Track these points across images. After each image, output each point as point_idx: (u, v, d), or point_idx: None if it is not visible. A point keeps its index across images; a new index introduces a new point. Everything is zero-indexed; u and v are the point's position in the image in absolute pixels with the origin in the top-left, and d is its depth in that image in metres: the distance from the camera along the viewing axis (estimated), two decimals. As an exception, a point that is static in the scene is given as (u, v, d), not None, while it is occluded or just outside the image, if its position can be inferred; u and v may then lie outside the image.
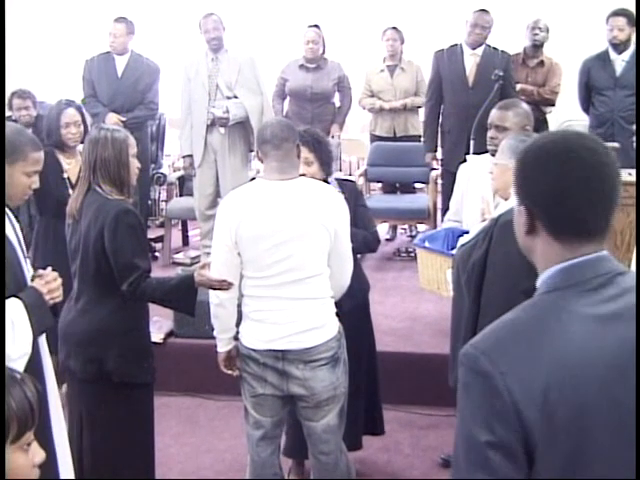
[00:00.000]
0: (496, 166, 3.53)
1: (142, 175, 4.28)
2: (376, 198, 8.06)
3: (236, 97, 6.60)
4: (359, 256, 4.62)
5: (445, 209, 5.88)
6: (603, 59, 6.84)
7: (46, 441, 2.78)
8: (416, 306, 6.24)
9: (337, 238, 3.48)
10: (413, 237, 7.70)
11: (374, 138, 8.05)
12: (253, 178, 4.98)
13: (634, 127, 6.37)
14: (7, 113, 6.73)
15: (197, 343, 5.36)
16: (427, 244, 4.43)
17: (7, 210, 3.13)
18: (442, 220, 5.50)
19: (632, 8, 6.75)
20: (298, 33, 7.73)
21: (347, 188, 4.19)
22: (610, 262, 1.68)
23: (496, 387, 1.54)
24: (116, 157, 3.58)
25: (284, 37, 9.29)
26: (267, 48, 9.14)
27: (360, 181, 7.89)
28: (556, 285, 1.66)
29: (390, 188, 8.37)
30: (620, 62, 6.77)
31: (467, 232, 3.96)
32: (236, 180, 6.26)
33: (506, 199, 3.48)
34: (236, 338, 3.61)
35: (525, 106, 4.27)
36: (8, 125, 3.19)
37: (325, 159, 4.01)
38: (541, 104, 7.17)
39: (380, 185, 8.63)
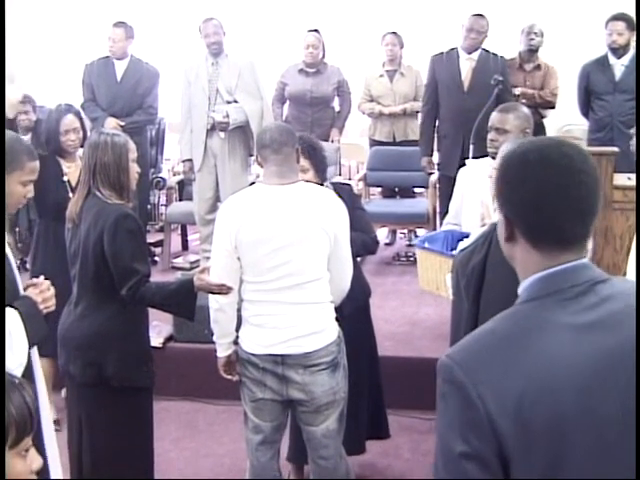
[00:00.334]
0: (496, 171, 3.53)
1: (141, 179, 4.28)
2: (375, 202, 8.05)
3: (236, 101, 6.60)
4: (359, 259, 4.63)
5: (443, 213, 5.88)
6: (602, 63, 6.85)
7: (38, 445, 2.77)
8: (416, 310, 6.24)
9: (337, 242, 3.49)
10: (411, 246, 7.70)
11: (373, 143, 8.05)
12: (253, 183, 4.99)
13: (633, 131, 6.38)
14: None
15: (196, 347, 5.36)
16: (427, 245, 4.43)
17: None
18: (441, 224, 5.50)
19: (630, 12, 6.76)
20: (298, 38, 7.74)
21: (343, 192, 4.18)
22: (590, 270, 1.66)
23: (470, 397, 1.53)
24: (116, 161, 3.58)
25: (284, 41, 9.29)
26: (267, 52, 9.14)
27: (359, 185, 7.90)
28: (534, 294, 1.66)
29: (389, 192, 8.37)
30: (619, 66, 6.78)
31: (466, 235, 3.96)
32: (236, 185, 6.25)
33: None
34: (236, 343, 3.61)
35: (525, 109, 4.28)
36: (5, 133, 3.19)
37: (320, 165, 4.02)
38: (542, 107, 7.18)
39: (379, 189, 8.62)
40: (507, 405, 1.52)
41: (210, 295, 3.54)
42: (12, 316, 2.87)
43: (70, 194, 4.57)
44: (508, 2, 8.87)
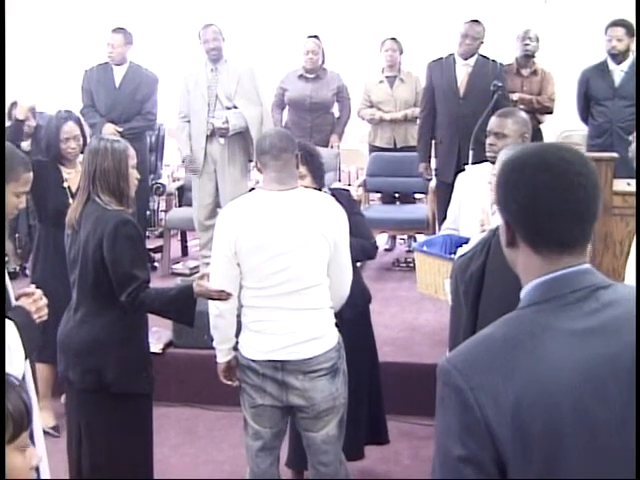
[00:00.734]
0: (495, 177, 3.53)
1: (141, 185, 4.27)
2: (375, 208, 8.06)
3: (236, 107, 6.60)
4: (359, 265, 4.63)
5: (441, 219, 5.89)
6: (602, 69, 6.86)
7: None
8: (415, 316, 6.24)
9: (336, 248, 3.49)
10: (411, 251, 7.70)
11: (373, 149, 8.05)
12: (252, 188, 4.99)
13: (632, 137, 6.38)
14: (7, 123, 6.73)
15: (196, 353, 5.35)
16: (425, 249, 4.43)
17: None
18: (440, 230, 5.50)
19: (630, 18, 6.77)
20: (297, 43, 7.75)
21: (342, 197, 4.18)
22: (592, 275, 1.66)
23: (467, 402, 1.54)
24: (115, 168, 3.59)
25: (283, 47, 9.31)
26: (267, 58, 9.16)
27: (359, 191, 7.90)
28: (535, 299, 1.66)
29: (389, 198, 8.37)
30: (619, 72, 6.78)
31: (465, 239, 3.96)
32: (235, 191, 6.25)
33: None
34: (235, 348, 3.60)
35: (523, 114, 4.29)
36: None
37: (317, 172, 4.02)
38: (540, 112, 7.19)
39: (379, 195, 8.62)
40: (504, 410, 1.52)
41: (210, 301, 3.53)
42: (9, 328, 2.87)
43: (70, 200, 4.57)
44: (508, 8, 8.89)
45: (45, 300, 3.04)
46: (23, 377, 2.98)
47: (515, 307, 1.73)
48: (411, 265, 7.24)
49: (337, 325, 3.59)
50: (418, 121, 7.17)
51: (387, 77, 7.90)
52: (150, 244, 7.36)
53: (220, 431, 5.13)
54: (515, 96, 6.92)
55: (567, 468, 1.54)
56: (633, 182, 4.65)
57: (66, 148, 4.88)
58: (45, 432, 3.91)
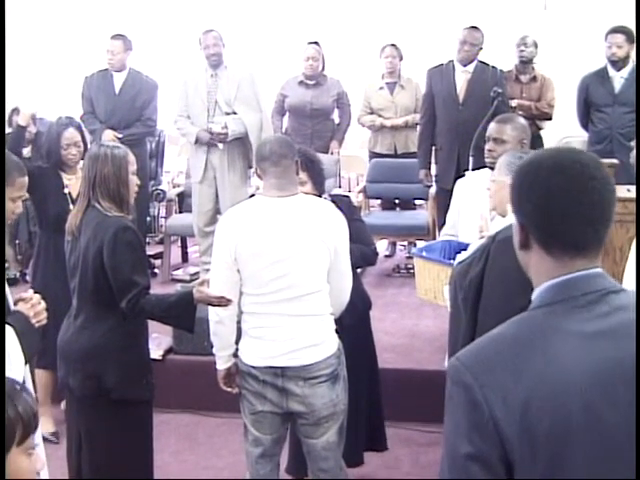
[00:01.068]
0: (493, 183, 3.53)
1: (141, 191, 4.27)
2: (375, 215, 8.05)
3: (235, 113, 6.60)
4: (359, 271, 4.62)
5: (441, 225, 5.89)
6: (602, 76, 6.86)
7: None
8: (415, 322, 6.24)
9: (337, 255, 3.48)
10: (411, 258, 7.69)
11: (373, 155, 8.05)
12: (252, 195, 4.99)
13: (632, 143, 6.38)
14: (7, 130, 6.74)
15: (196, 360, 5.34)
16: (424, 254, 4.43)
17: None
18: (439, 236, 5.50)
19: (629, 24, 6.78)
20: (298, 50, 7.75)
21: (342, 203, 4.18)
22: (604, 279, 1.67)
23: (476, 400, 1.55)
24: (115, 174, 3.59)
25: (284, 54, 9.32)
26: (267, 64, 9.17)
27: (359, 197, 7.90)
28: (546, 301, 1.66)
29: (389, 205, 8.37)
30: (619, 79, 6.79)
31: (465, 245, 3.96)
32: (235, 197, 6.26)
33: (504, 216, 3.48)
34: (235, 355, 3.60)
35: (522, 120, 4.31)
36: None
37: (318, 178, 4.02)
38: (539, 118, 7.20)
39: (379, 202, 8.62)
40: (513, 409, 1.53)
41: (210, 307, 3.53)
42: (7, 333, 2.86)
43: (71, 206, 4.57)
44: (508, 14, 8.90)
45: (43, 304, 3.04)
46: (23, 382, 2.98)
47: (514, 313, 1.74)
48: (411, 271, 7.22)
49: (337, 331, 3.59)
50: (418, 127, 7.18)
51: (387, 83, 7.90)
52: (150, 250, 7.36)
53: (220, 437, 5.12)
54: (514, 102, 6.92)
55: (573, 470, 1.55)
56: (633, 188, 4.65)
57: (67, 154, 4.88)
58: (44, 438, 3.92)
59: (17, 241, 7.16)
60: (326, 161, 4.93)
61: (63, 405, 3.99)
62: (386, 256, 8.12)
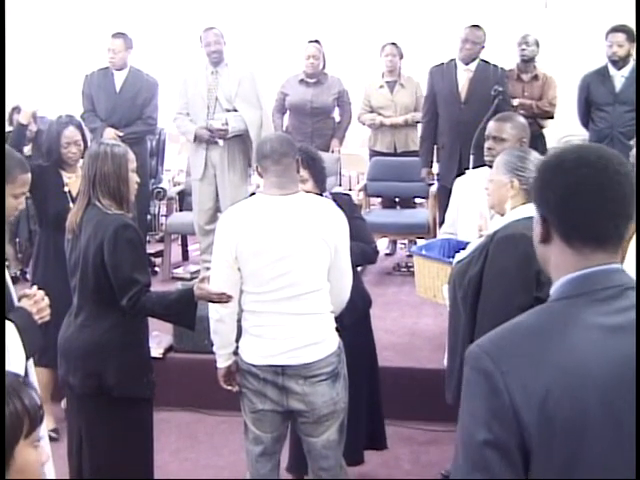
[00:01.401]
0: (492, 182, 3.53)
1: (141, 190, 4.27)
2: (376, 213, 8.06)
3: (235, 110, 6.60)
4: (359, 269, 4.62)
5: (442, 224, 5.89)
6: (602, 75, 6.86)
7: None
8: (416, 321, 6.24)
9: (337, 253, 3.48)
10: (412, 256, 7.69)
11: (374, 154, 8.06)
12: (253, 193, 4.98)
13: (632, 142, 6.38)
14: (8, 128, 6.74)
15: (197, 358, 5.35)
16: (424, 252, 4.43)
17: None
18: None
19: (630, 23, 6.77)
20: (298, 48, 7.75)
21: (343, 202, 4.18)
22: (623, 275, 1.69)
23: (496, 386, 1.56)
24: (115, 172, 3.59)
25: (284, 52, 9.32)
26: (268, 63, 9.16)
27: (360, 196, 7.90)
28: (566, 293, 1.68)
29: (390, 203, 8.38)
30: (619, 78, 6.79)
31: (464, 243, 3.97)
32: (236, 195, 6.26)
33: (502, 215, 3.48)
34: (236, 353, 3.60)
35: (522, 119, 4.31)
36: None
37: (319, 176, 4.02)
38: (540, 117, 7.20)
39: (380, 200, 8.63)
40: (533, 397, 1.54)
41: (210, 306, 3.53)
42: (8, 328, 2.87)
43: (71, 204, 4.57)
44: (508, 13, 8.90)
45: (47, 301, 3.06)
46: (25, 377, 2.99)
47: (513, 311, 1.75)
48: (412, 270, 7.21)
49: (337, 330, 3.59)
50: (420, 126, 7.17)
51: (387, 82, 7.90)
52: (151, 248, 7.37)
53: (220, 436, 5.12)
54: (515, 101, 6.93)
55: (588, 461, 1.56)
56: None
57: (67, 153, 4.88)
58: (45, 436, 3.92)
59: (17, 239, 7.17)
60: (327, 159, 4.93)
61: (64, 403, 4.00)
62: (386, 254, 8.13)
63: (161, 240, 8.05)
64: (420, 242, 7.67)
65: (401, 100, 7.84)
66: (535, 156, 3.47)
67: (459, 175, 4.95)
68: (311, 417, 3.52)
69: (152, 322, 3.82)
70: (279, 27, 9.78)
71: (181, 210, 8.14)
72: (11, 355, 2.85)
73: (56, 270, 4.53)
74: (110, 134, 6.69)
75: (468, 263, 3.48)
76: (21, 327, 2.91)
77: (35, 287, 3.11)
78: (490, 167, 3.90)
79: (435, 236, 7.00)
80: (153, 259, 7.72)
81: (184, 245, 8.24)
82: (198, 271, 7.04)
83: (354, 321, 3.93)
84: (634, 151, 4.75)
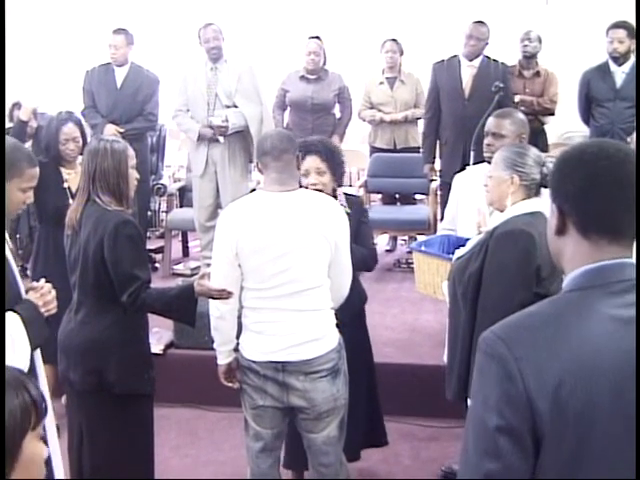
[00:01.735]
0: (491, 178, 3.53)
1: (142, 186, 4.27)
2: (376, 209, 8.05)
3: (235, 106, 6.60)
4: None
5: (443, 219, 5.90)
6: (603, 71, 6.85)
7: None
8: (416, 317, 6.24)
9: (337, 249, 3.49)
10: (412, 252, 7.69)
11: (374, 150, 8.06)
12: (253, 189, 4.99)
13: (629, 139, 6.38)
14: (8, 124, 6.73)
15: (197, 354, 5.35)
16: (424, 249, 4.43)
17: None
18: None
19: (630, 19, 6.77)
20: (299, 44, 7.74)
21: (353, 203, 4.20)
22: (635, 270, 1.70)
23: (510, 372, 1.57)
24: (115, 168, 3.58)
25: (285, 48, 9.31)
26: (268, 59, 9.16)
27: (360, 192, 7.90)
28: (580, 285, 1.69)
29: (390, 199, 8.38)
30: (620, 74, 6.78)
31: (463, 239, 3.97)
32: (236, 191, 6.26)
33: (501, 211, 3.48)
34: (236, 350, 3.60)
35: (521, 115, 4.31)
36: (5, 140, 3.21)
37: (337, 169, 4.02)
38: (541, 114, 7.20)
39: (380, 196, 8.63)
40: (546, 385, 1.56)
41: (211, 302, 3.53)
42: (13, 320, 2.90)
43: (70, 201, 4.57)
44: (509, 9, 8.89)
45: (53, 294, 3.09)
46: (31, 370, 3.00)
47: (512, 307, 1.75)
48: (412, 266, 7.17)
49: (337, 326, 3.59)
50: (423, 122, 7.17)
51: (387, 78, 7.90)
52: (151, 245, 7.37)
53: (221, 432, 5.13)
54: (516, 98, 6.93)
55: (597, 450, 1.57)
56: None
57: (65, 149, 4.89)
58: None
59: (18, 235, 7.17)
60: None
61: (64, 399, 3.99)
62: (387, 251, 8.13)
63: (161, 236, 8.05)
64: (420, 238, 7.67)
65: (401, 96, 7.84)
66: (534, 152, 3.47)
67: (461, 171, 4.94)
68: (311, 413, 3.52)
69: (152, 318, 3.82)
70: (280, 23, 9.76)
71: (181, 206, 8.15)
72: (16, 346, 2.87)
73: (56, 266, 4.53)
74: (111, 130, 6.69)
75: (468, 259, 3.48)
76: (26, 319, 2.93)
77: (43, 280, 3.13)
78: (489, 163, 3.90)
79: (435, 232, 7.01)
80: (153, 255, 7.72)
81: (184, 241, 8.24)
82: (198, 267, 7.05)
83: (350, 318, 3.91)
84: (633, 145, 4.75)
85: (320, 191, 3.77)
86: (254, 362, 3.49)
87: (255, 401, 3.53)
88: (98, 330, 3.58)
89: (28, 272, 6.04)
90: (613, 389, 1.57)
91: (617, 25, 6.73)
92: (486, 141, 4.18)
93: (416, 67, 7.98)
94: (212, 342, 3.64)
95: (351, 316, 3.96)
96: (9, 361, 2.79)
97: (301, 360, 3.44)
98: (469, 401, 1.74)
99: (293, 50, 8.35)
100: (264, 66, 7.85)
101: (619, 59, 6.76)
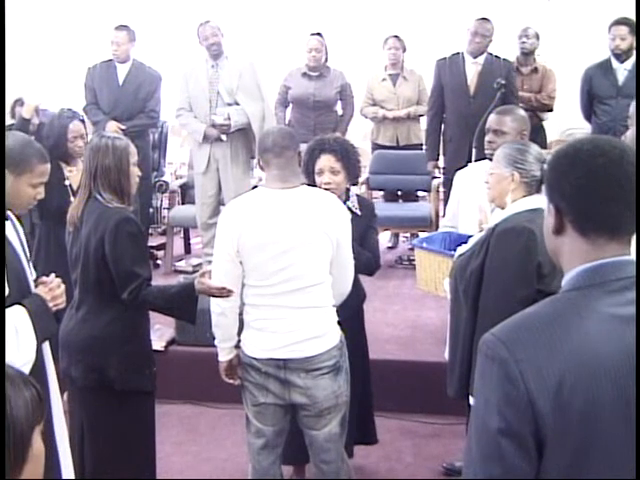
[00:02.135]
0: (492, 175, 3.53)
1: (144, 183, 4.27)
2: (378, 206, 7.92)
3: (237, 103, 6.60)
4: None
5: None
6: (605, 68, 6.83)
7: (49, 446, 2.80)
8: (418, 314, 6.24)
9: (339, 247, 3.49)
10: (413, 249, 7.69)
11: (376, 147, 8.06)
12: (255, 186, 4.98)
13: (623, 137, 6.36)
14: (10, 121, 6.73)
15: (198, 351, 5.35)
16: (425, 245, 4.43)
17: (11, 215, 3.17)
18: (441, 227, 5.50)
19: (632, 16, 6.75)
20: (301, 41, 7.74)
21: (365, 206, 4.20)
22: (634, 267, 1.69)
23: (511, 374, 1.57)
24: (116, 165, 3.58)
25: (287, 45, 9.31)
26: (270, 56, 9.15)
27: (362, 189, 7.89)
28: (580, 284, 1.68)
29: (392, 196, 8.37)
30: (622, 71, 6.76)
31: (465, 236, 3.96)
32: (238, 188, 6.26)
33: (502, 208, 3.48)
34: (237, 347, 3.60)
35: (523, 112, 4.31)
36: (16, 135, 3.23)
37: (352, 169, 4.02)
38: (539, 110, 7.19)
39: (382, 193, 8.62)
40: (548, 385, 1.55)
41: (212, 299, 3.53)
42: (20, 313, 2.92)
43: (72, 198, 4.58)
44: (510, 6, 8.89)
45: (62, 289, 3.12)
46: (38, 365, 3.02)
47: (513, 304, 1.75)
48: (414, 263, 7.19)
49: (339, 323, 3.59)
50: (426, 118, 7.15)
51: (390, 75, 7.90)
52: (153, 242, 7.38)
53: (222, 429, 5.13)
54: (514, 94, 6.92)
55: (603, 447, 1.57)
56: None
57: (73, 147, 4.89)
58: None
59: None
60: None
61: (65, 396, 4.00)
62: (389, 248, 8.13)
63: (163, 233, 8.06)
64: (422, 235, 7.67)
65: (404, 93, 7.84)
66: (535, 149, 3.47)
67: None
68: (313, 410, 3.52)
69: (154, 315, 3.82)
70: (282, 20, 9.77)
71: (183, 203, 8.15)
72: (21, 339, 2.88)
73: (57, 263, 4.53)
74: (113, 127, 6.69)
75: (469, 256, 3.48)
76: (33, 313, 2.96)
77: (53, 275, 3.15)
78: (491, 160, 3.90)
79: (437, 229, 7.01)
80: (155, 252, 7.73)
81: (186, 238, 8.25)
82: (200, 264, 7.05)
83: (348, 316, 3.90)
84: (627, 142, 4.74)
85: (333, 190, 3.79)
86: (255, 359, 3.49)
87: (257, 398, 3.53)
88: (99, 327, 3.59)
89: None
90: (615, 388, 1.57)
91: (619, 22, 6.71)
92: (487, 138, 4.18)
93: (419, 64, 7.97)
94: (213, 339, 3.64)
95: (349, 314, 3.95)
96: (14, 354, 2.81)
97: (303, 357, 3.44)
98: (470, 398, 1.74)
99: (295, 47, 8.34)
100: (266, 63, 7.85)
101: (621, 56, 6.74)
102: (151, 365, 3.73)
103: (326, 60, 7.58)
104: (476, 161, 4.89)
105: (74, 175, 4.87)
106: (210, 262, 3.91)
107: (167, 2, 9.99)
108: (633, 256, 1.71)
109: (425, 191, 8.15)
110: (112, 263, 3.49)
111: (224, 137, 6.59)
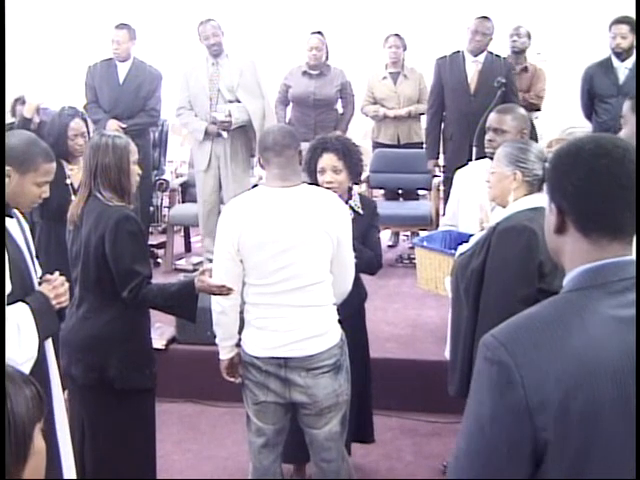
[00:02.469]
0: (493, 174, 3.53)
1: (144, 181, 4.27)
2: (378, 205, 7.99)
3: (238, 101, 6.60)
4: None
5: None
6: (606, 66, 6.83)
7: (51, 444, 2.80)
8: (418, 313, 6.24)
9: (339, 245, 3.48)
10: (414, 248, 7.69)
11: (377, 145, 8.06)
12: (255, 185, 4.99)
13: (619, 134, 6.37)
14: (10, 120, 6.73)
15: (199, 349, 5.35)
16: (425, 244, 4.43)
17: (18, 213, 3.17)
18: (441, 226, 5.50)
19: (632, 14, 6.74)
20: (301, 39, 7.74)
21: (367, 205, 4.20)
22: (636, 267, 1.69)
23: (511, 378, 1.56)
24: (116, 164, 3.59)
25: (287, 44, 9.31)
26: (270, 54, 9.15)
27: (362, 187, 7.89)
28: (581, 284, 1.67)
29: (392, 195, 8.37)
30: (623, 70, 6.75)
31: (465, 235, 3.96)
32: (238, 187, 6.27)
33: (504, 207, 3.48)
34: (238, 345, 3.60)
35: (523, 111, 4.30)
36: (22, 133, 3.24)
37: (354, 168, 4.02)
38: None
39: (382, 192, 8.62)
40: (548, 388, 1.54)
41: (213, 298, 3.53)
42: (22, 310, 2.92)
43: (72, 196, 4.58)
44: (510, 4, 8.88)
45: (66, 287, 3.13)
46: (41, 363, 3.02)
47: (515, 303, 1.74)
48: (414, 261, 7.19)
49: (339, 322, 3.59)
50: (426, 117, 7.16)
51: (390, 73, 7.90)
52: (153, 240, 7.38)
53: (223, 427, 5.13)
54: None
55: (604, 449, 1.56)
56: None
57: (74, 145, 4.89)
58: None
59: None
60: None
61: (66, 394, 4.00)
62: (389, 246, 8.13)
63: (164, 232, 8.06)
64: (423, 234, 7.67)
65: (404, 92, 7.84)
66: (536, 148, 3.47)
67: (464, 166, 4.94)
68: (313, 409, 3.52)
69: (154, 314, 3.82)
70: (282, 18, 9.76)
71: (184, 202, 8.15)
72: (22, 337, 2.88)
73: (57, 262, 4.52)
74: (113, 126, 6.69)
75: (470, 255, 3.48)
76: (36, 310, 2.96)
77: (57, 273, 3.15)
78: (491, 159, 3.90)
79: (438, 228, 7.01)
80: (156, 251, 7.73)
81: (187, 237, 8.25)
82: (201, 262, 7.06)
83: (349, 314, 3.90)
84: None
85: (335, 189, 3.78)
86: (256, 358, 3.49)
87: (257, 397, 3.53)
88: (99, 325, 3.59)
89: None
90: (616, 390, 1.56)
91: (620, 20, 6.70)
92: (488, 137, 4.17)
93: (419, 62, 7.97)
94: (214, 337, 3.64)
95: (350, 313, 3.95)
96: (15, 351, 2.81)
97: (303, 356, 3.44)
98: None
99: (295, 45, 8.33)
100: (266, 61, 7.84)
101: (622, 54, 6.73)
102: (151, 364, 3.73)
103: (327, 58, 7.58)
104: (476, 160, 4.88)
105: (75, 174, 4.86)
106: (210, 260, 3.92)
107: (167, 1, 9.99)
108: (634, 256, 1.71)
109: (426, 190, 8.15)
110: (112, 261, 3.50)
111: (225, 134, 6.59)
